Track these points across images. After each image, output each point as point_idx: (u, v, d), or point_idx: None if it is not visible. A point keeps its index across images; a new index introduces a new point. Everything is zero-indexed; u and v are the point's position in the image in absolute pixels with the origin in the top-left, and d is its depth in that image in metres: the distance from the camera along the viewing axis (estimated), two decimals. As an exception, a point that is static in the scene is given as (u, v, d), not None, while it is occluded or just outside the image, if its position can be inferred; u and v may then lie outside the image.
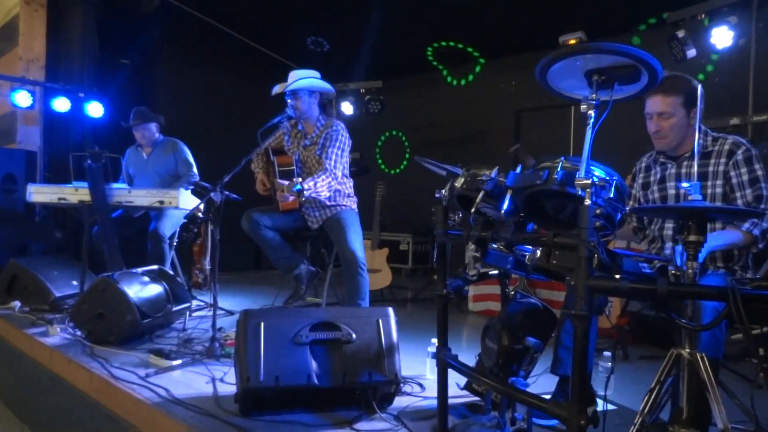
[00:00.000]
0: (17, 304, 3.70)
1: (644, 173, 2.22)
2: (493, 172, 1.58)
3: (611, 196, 1.35)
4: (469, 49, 6.48)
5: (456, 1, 5.25)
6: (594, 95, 1.36)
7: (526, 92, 6.36)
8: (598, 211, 1.28)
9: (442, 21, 5.67)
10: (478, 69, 6.80)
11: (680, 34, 3.99)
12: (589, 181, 1.27)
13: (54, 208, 4.61)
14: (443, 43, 6.04)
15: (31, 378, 3.07)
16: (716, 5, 3.83)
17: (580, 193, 1.29)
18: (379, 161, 7.70)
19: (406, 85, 7.23)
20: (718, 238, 1.85)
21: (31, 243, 4.49)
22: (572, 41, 5.49)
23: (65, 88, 5.45)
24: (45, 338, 3.07)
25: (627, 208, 1.43)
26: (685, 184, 1.41)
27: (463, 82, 6.94)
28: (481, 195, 1.55)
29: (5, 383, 3.38)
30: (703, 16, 3.90)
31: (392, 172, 7.50)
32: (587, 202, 1.28)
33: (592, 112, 1.35)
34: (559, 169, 1.36)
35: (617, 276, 1.39)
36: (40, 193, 3.85)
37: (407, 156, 7.43)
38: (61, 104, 5.34)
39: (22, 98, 5.21)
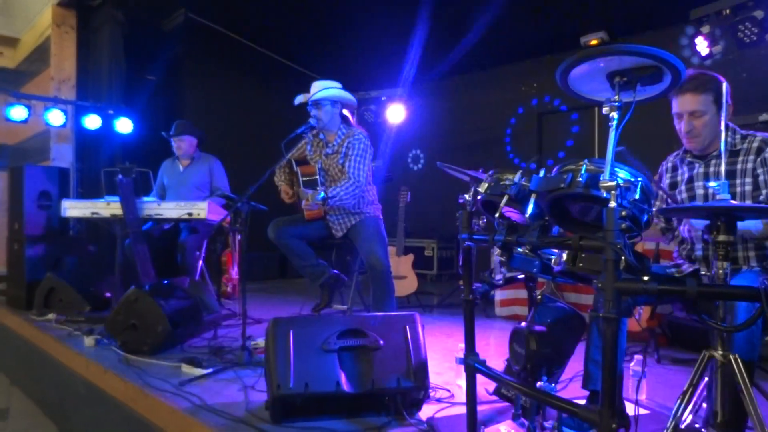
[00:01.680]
0: (54, 315, 3.81)
1: (671, 173, 2.19)
2: (517, 177, 1.58)
3: (636, 197, 1.34)
4: (494, 56, 6.47)
5: (470, 6, 5.26)
6: (616, 97, 1.36)
7: (547, 94, 6.32)
8: (623, 213, 1.27)
9: (461, 24, 5.67)
10: (495, 72, 6.79)
11: (705, 30, 3.93)
12: (613, 183, 1.27)
13: (87, 223, 4.75)
14: (467, 47, 6.03)
15: (68, 387, 3.16)
16: (741, 0, 3.77)
17: (604, 195, 1.29)
18: (402, 167, 7.72)
19: (427, 91, 7.24)
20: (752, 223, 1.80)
21: (66, 257, 4.62)
22: (594, 41, 5.45)
23: (95, 105, 5.62)
24: (81, 349, 3.15)
25: (653, 209, 1.41)
26: (712, 183, 1.39)
27: (485, 83, 6.93)
28: (505, 199, 1.56)
29: (45, 393, 3.48)
30: (728, 11, 3.83)
31: (416, 178, 7.51)
32: (612, 204, 1.28)
33: (614, 114, 1.35)
34: (582, 172, 1.36)
35: (645, 278, 1.39)
36: (74, 208, 3.97)
37: (429, 162, 7.43)
38: (92, 121, 5.50)
39: (55, 117, 5.39)
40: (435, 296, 5.50)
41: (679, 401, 1.47)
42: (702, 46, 4.03)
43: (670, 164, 2.22)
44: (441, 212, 6.89)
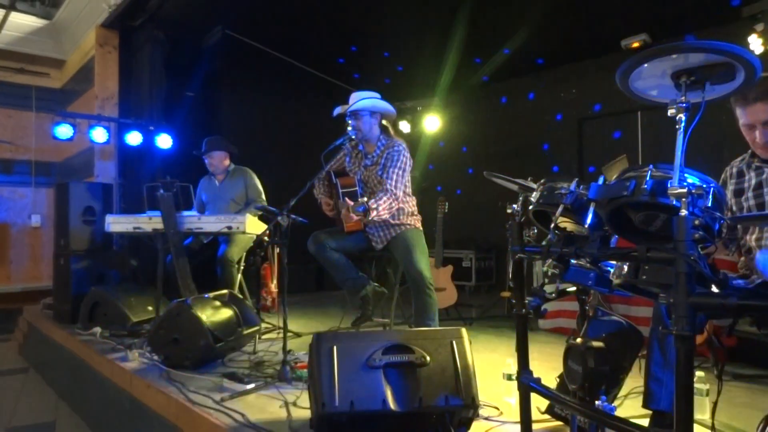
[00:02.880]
0: (98, 329, 3.87)
1: (736, 179, 2.06)
2: (572, 185, 1.50)
3: (709, 204, 1.24)
4: (535, 62, 6.36)
5: (511, 10, 5.17)
6: (683, 98, 1.27)
7: (587, 100, 6.15)
8: (696, 222, 1.18)
9: (499, 31, 5.59)
10: (534, 79, 6.66)
11: (759, 27, 3.74)
12: (685, 190, 1.18)
13: (130, 237, 4.83)
14: (505, 53, 5.94)
15: (113, 402, 3.18)
16: (798, -5, 3.58)
17: (674, 203, 1.20)
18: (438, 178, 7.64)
19: (463, 101, 7.16)
20: None
21: (110, 271, 4.71)
22: (636, 44, 5.27)
23: (137, 122, 5.75)
24: (125, 363, 3.19)
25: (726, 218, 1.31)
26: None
27: (523, 90, 6.81)
28: (560, 209, 1.47)
29: (90, 407, 3.52)
30: (782, 7, 3.65)
31: (453, 188, 7.42)
32: (683, 212, 1.18)
33: (682, 116, 1.25)
34: (648, 179, 1.27)
35: (715, 290, 1.28)
36: (117, 224, 4.04)
37: (469, 171, 7.33)
38: (134, 138, 5.63)
39: (99, 134, 5.53)
40: (474, 308, 5.38)
41: (761, 425, 1.35)
42: (756, 44, 3.83)
43: (735, 170, 2.09)
44: (478, 222, 6.77)
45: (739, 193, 2.02)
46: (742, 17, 3.93)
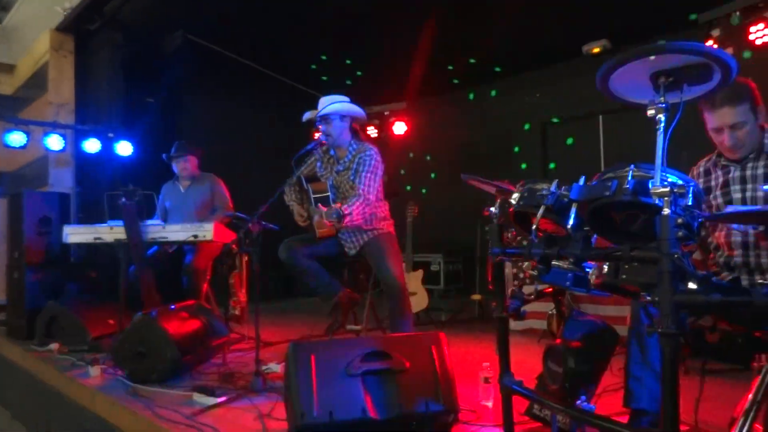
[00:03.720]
0: (56, 345, 3.69)
1: (704, 178, 2.12)
2: (553, 186, 1.50)
3: (689, 203, 1.26)
4: (496, 68, 6.46)
5: (475, 17, 5.23)
6: (662, 98, 1.28)
7: (551, 104, 6.27)
8: (679, 221, 1.19)
9: (464, 38, 5.65)
10: (498, 84, 6.76)
11: (715, 33, 3.89)
12: (667, 189, 1.19)
13: (89, 248, 4.64)
14: (470, 60, 6.02)
15: (73, 420, 3.03)
16: (750, 2, 3.73)
17: (657, 202, 1.21)
18: (407, 183, 7.65)
19: (430, 105, 7.20)
20: None
21: (68, 284, 4.52)
22: (596, 50, 5.43)
23: (95, 129, 5.56)
24: (86, 379, 3.04)
25: (704, 215, 1.33)
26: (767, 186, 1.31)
27: (488, 95, 6.89)
28: (542, 210, 1.47)
29: (48, 427, 3.35)
30: (737, 13, 3.79)
31: (420, 192, 7.44)
32: (666, 211, 1.19)
33: (661, 116, 1.27)
34: (629, 179, 1.28)
35: (693, 287, 1.30)
36: (75, 234, 3.87)
37: (433, 176, 7.37)
38: (92, 145, 5.44)
39: (54, 142, 5.32)
40: (444, 312, 5.39)
41: (741, 423, 1.37)
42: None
43: (702, 169, 2.15)
44: (446, 226, 6.80)
45: (706, 191, 2.08)
46: (699, 24, 4.08)
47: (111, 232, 3.74)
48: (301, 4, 5.30)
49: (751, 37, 3.84)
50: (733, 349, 2.83)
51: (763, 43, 3.83)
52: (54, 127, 5.41)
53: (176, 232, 3.75)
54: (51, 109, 5.64)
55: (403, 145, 7.22)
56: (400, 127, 6.67)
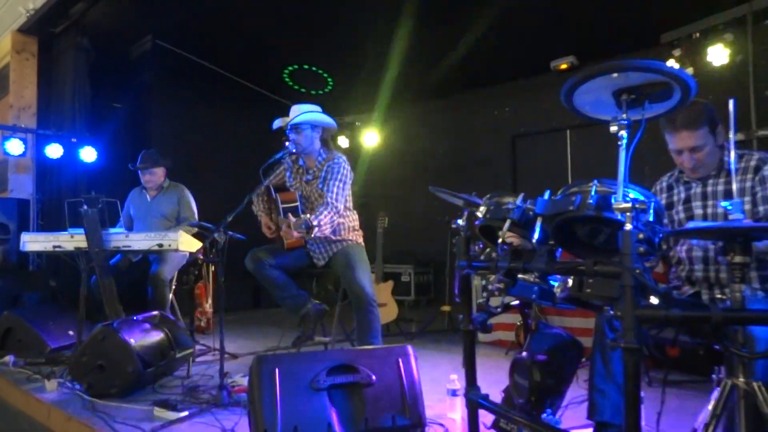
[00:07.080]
0: (11, 358, 3.54)
1: (666, 193, 2.16)
2: (519, 200, 1.51)
3: (650, 219, 1.28)
4: (467, 82, 6.51)
5: (447, 31, 5.29)
6: (624, 115, 1.31)
7: (521, 118, 6.37)
8: (640, 236, 1.21)
9: (435, 50, 5.71)
10: (469, 97, 6.83)
11: (677, 53, 4.02)
12: (629, 205, 1.20)
13: (48, 257, 4.49)
14: (441, 73, 6.07)
15: (27, 437, 2.91)
16: (711, 24, 3.86)
17: (619, 217, 1.22)
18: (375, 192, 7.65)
19: (402, 116, 7.23)
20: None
21: (25, 293, 4.36)
22: (563, 66, 5.55)
23: (57, 134, 5.40)
24: (42, 394, 2.92)
25: (665, 230, 1.35)
26: (725, 203, 1.34)
27: (459, 108, 6.95)
28: (507, 224, 1.48)
29: (0, 444, 3.21)
30: (698, 35, 3.93)
31: (391, 202, 7.44)
32: (628, 226, 1.21)
33: (624, 132, 1.29)
34: (593, 194, 1.30)
35: (654, 301, 1.31)
36: (34, 242, 3.73)
37: (403, 186, 7.38)
38: (54, 151, 5.27)
39: (14, 146, 5.14)
40: (414, 323, 5.37)
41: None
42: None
43: (665, 184, 2.19)
44: (416, 237, 6.82)
45: (669, 206, 2.12)
46: (662, 43, 4.21)
47: (71, 240, 3.62)
48: (271, 13, 5.27)
49: (709, 58, 3.98)
50: (694, 361, 2.90)
51: (722, 63, 3.98)
52: (14, 131, 5.24)
53: (140, 241, 3.65)
54: (11, 113, 5.46)
55: (374, 155, 7.22)
56: (371, 138, 6.68)
